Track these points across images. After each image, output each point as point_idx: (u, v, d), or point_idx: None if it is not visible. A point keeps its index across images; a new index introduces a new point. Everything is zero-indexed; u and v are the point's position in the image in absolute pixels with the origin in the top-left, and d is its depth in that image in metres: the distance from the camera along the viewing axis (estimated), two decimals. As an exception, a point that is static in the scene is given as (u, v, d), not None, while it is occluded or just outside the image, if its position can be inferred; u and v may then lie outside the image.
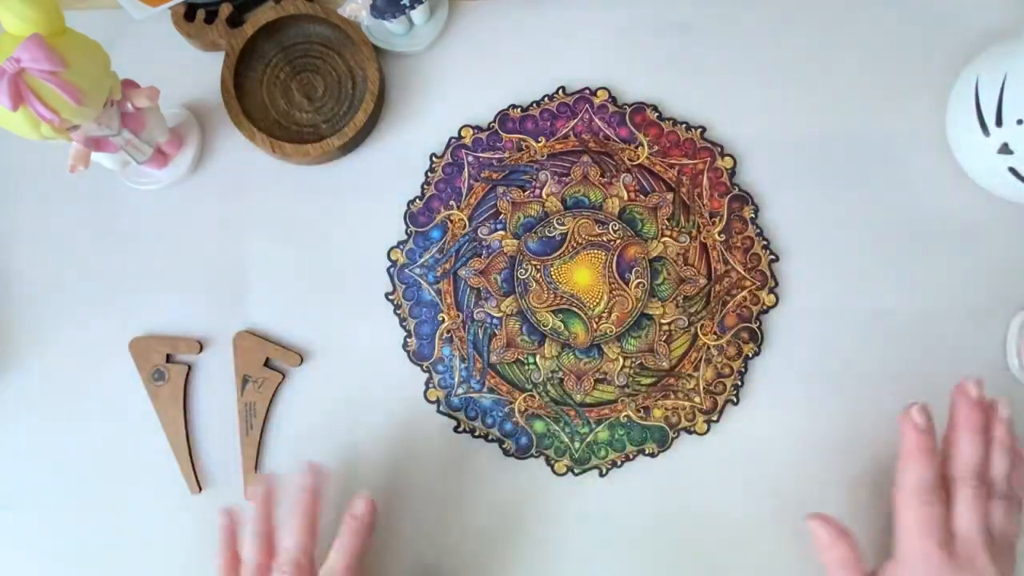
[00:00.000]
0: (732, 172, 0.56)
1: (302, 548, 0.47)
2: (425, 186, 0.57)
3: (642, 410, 0.54)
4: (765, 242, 0.55)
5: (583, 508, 0.54)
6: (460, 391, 0.55)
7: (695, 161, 0.56)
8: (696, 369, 0.54)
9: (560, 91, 0.57)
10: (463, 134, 0.57)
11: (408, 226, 0.56)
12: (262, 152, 0.56)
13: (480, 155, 0.57)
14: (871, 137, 0.57)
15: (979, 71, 0.51)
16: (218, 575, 0.48)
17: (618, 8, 0.58)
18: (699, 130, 0.56)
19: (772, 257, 0.55)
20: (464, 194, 0.56)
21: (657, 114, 0.57)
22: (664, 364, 0.54)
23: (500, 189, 0.56)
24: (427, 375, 0.55)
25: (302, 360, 0.55)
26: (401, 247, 0.56)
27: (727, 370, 0.54)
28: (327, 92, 0.57)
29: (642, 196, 0.56)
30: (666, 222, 0.55)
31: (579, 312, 0.55)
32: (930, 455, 0.47)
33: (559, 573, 0.54)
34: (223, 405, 0.55)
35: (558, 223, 0.56)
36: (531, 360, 0.55)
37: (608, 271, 0.55)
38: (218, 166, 0.58)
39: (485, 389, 0.55)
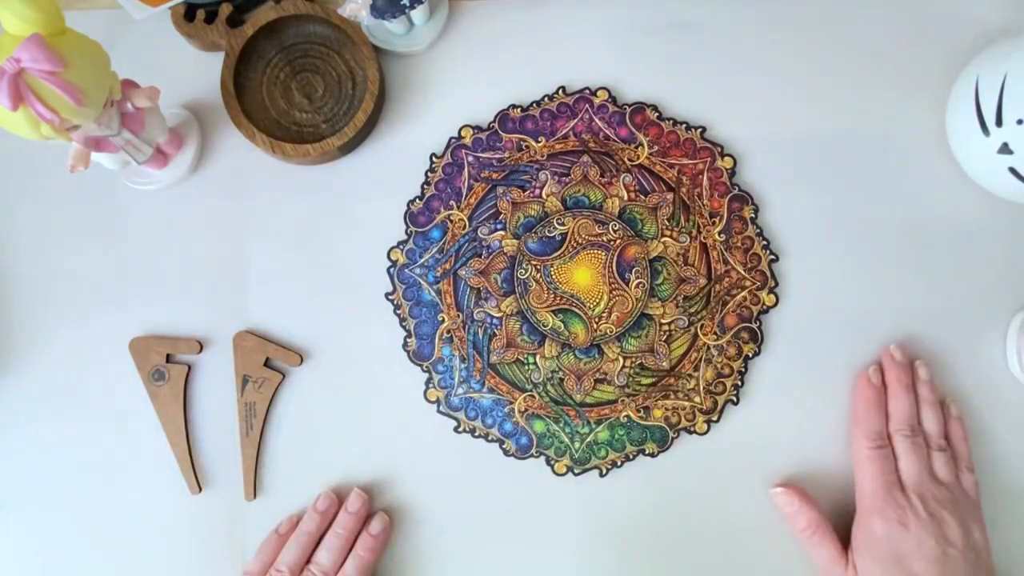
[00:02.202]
0: (732, 172, 0.56)
1: (333, 565, 0.51)
2: (425, 186, 0.57)
3: (642, 410, 0.54)
4: (765, 242, 0.55)
5: (583, 508, 0.54)
6: (460, 391, 0.55)
7: (695, 161, 0.56)
8: (696, 369, 0.54)
9: (560, 91, 0.57)
10: (463, 134, 0.57)
11: (408, 226, 0.56)
12: (262, 152, 0.56)
13: (480, 155, 0.57)
14: (871, 137, 0.57)
15: (979, 71, 0.51)
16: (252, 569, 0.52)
17: (618, 8, 0.58)
18: (699, 130, 0.56)
19: (772, 257, 0.55)
20: (464, 194, 0.56)
21: (657, 114, 0.57)
22: (664, 364, 0.54)
23: (500, 189, 0.56)
24: (427, 375, 0.55)
25: (302, 360, 0.55)
26: (401, 247, 0.56)
27: (727, 370, 0.54)
28: (327, 92, 0.57)
29: (642, 196, 0.56)
30: (666, 222, 0.55)
31: (579, 312, 0.55)
32: (881, 410, 0.52)
33: (559, 573, 0.54)
34: (223, 405, 0.55)
35: (558, 223, 0.56)
36: (531, 360, 0.55)
37: (608, 271, 0.55)
38: (218, 166, 0.58)
39: (485, 389, 0.55)
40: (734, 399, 0.54)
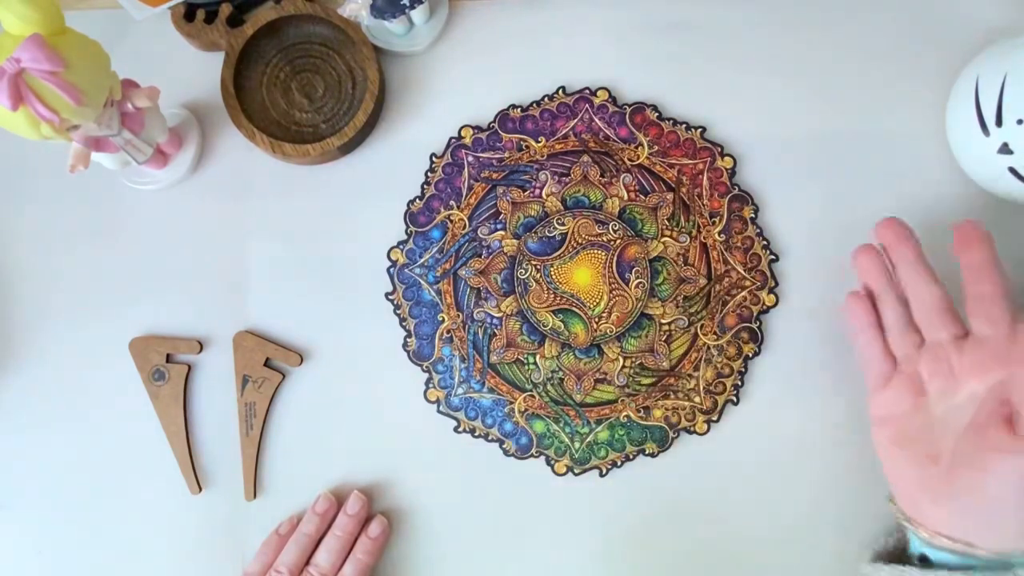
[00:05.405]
0: (732, 172, 0.56)
1: (332, 567, 0.51)
2: (425, 186, 0.57)
3: (642, 410, 0.54)
4: (765, 242, 0.55)
5: (583, 508, 0.54)
6: (460, 391, 0.55)
7: (695, 161, 0.56)
8: (696, 369, 0.54)
9: (560, 91, 0.57)
10: (463, 134, 0.57)
11: (408, 226, 0.56)
12: (262, 152, 0.56)
13: (480, 155, 0.57)
14: (871, 137, 0.57)
15: (979, 71, 0.51)
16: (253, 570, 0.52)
17: (618, 8, 0.58)
18: (699, 130, 0.56)
19: (772, 257, 0.55)
20: (464, 194, 0.56)
21: (657, 114, 0.57)
22: (664, 364, 0.54)
23: (500, 189, 0.56)
24: (427, 375, 0.55)
25: (302, 360, 0.55)
26: (401, 247, 0.56)
27: (727, 370, 0.54)
28: (327, 92, 0.57)
29: (642, 196, 0.56)
30: (666, 222, 0.55)
31: (579, 312, 0.55)
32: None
33: (559, 573, 0.54)
34: (223, 405, 0.55)
35: (558, 223, 0.56)
36: (531, 360, 0.55)
37: (608, 271, 0.55)
38: (218, 166, 0.58)
39: (485, 389, 0.55)
40: (734, 399, 0.54)
